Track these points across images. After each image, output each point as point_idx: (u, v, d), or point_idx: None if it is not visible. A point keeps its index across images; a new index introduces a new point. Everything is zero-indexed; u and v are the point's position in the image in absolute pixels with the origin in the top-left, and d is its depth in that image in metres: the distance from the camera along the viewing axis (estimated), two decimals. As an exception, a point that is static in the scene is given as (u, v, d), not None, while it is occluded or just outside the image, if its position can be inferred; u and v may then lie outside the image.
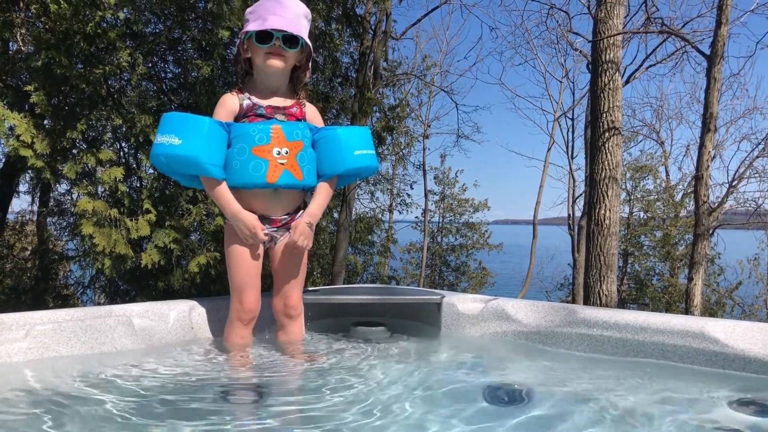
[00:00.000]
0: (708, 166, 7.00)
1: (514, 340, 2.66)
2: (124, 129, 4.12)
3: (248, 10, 2.50)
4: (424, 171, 18.51)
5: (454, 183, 19.62)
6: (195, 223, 4.35)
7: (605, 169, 6.33)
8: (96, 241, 3.74)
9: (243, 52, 2.48)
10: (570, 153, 17.45)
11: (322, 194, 2.58)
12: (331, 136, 2.54)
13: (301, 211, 2.60)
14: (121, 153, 4.47)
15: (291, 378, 2.20)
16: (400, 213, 18.30)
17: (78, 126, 3.76)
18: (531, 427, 1.67)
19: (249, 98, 2.48)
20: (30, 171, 4.68)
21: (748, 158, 12.15)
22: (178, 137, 2.29)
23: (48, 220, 5.22)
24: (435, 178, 19.49)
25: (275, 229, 2.54)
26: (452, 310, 2.87)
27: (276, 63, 2.43)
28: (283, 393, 2.01)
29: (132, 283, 4.66)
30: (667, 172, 17.02)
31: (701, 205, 7.04)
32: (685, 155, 16.12)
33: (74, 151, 3.98)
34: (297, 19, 2.45)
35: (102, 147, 4.04)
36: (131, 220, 3.91)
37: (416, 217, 19.14)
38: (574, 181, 17.47)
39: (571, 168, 17.46)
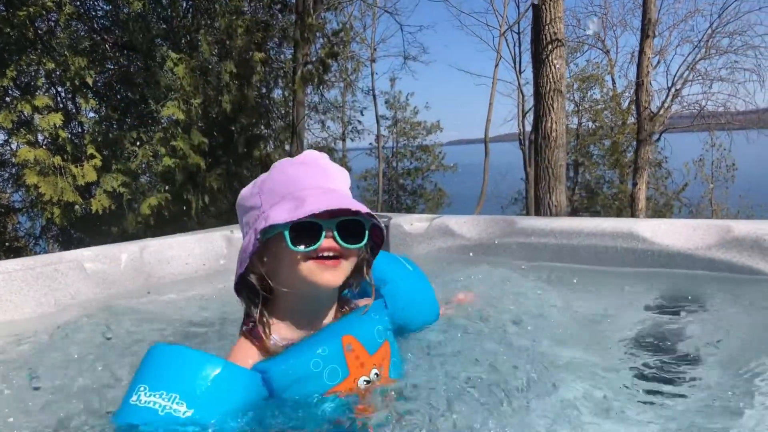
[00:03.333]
0: (648, 72, 7.14)
1: (458, 254, 2.79)
2: (58, 73, 4.00)
3: (246, 190, 1.49)
4: (374, 96, 18.40)
5: (406, 107, 19.59)
6: (143, 165, 4.32)
7: (550, 82, 6.41)
8: (42, 190, 3.69)
9: (257, 262, 1.41)
10: (518, 68, 17.51)
11: None
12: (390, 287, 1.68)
13: None
14: (58, 98, 4.35)
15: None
16: (352, 141, 18.28)
17: (8, 73, 3.63)
18: (469, 338, 1.79)
19: (273, 339, 1.43)
20: (-37, 123, 4.54)
21: (687, 59, 12.37)
22: (185, 401, 1.24)
23: (-11, 172, 5.10)
24: (386, 102, 19.42)
25: None
26: (399, 231, 2.98)
27: (330, 277, 1.38)
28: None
29: (84, 231, 4.63)
30: (613, 80, 17.25)
31: (642, 111, 7.22)
32: (630, 62, 16.27)
33: (7, 99, 3.87)
34: (346, 189, 1.49)
35: (37, 93, 3.92)
36: (76, 166, 3.86)
37: (370, 143, 19.13)
38: (523, 96, 17.62)
39: (519, 83, 17.58)
